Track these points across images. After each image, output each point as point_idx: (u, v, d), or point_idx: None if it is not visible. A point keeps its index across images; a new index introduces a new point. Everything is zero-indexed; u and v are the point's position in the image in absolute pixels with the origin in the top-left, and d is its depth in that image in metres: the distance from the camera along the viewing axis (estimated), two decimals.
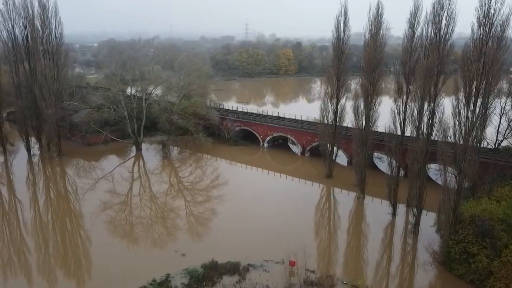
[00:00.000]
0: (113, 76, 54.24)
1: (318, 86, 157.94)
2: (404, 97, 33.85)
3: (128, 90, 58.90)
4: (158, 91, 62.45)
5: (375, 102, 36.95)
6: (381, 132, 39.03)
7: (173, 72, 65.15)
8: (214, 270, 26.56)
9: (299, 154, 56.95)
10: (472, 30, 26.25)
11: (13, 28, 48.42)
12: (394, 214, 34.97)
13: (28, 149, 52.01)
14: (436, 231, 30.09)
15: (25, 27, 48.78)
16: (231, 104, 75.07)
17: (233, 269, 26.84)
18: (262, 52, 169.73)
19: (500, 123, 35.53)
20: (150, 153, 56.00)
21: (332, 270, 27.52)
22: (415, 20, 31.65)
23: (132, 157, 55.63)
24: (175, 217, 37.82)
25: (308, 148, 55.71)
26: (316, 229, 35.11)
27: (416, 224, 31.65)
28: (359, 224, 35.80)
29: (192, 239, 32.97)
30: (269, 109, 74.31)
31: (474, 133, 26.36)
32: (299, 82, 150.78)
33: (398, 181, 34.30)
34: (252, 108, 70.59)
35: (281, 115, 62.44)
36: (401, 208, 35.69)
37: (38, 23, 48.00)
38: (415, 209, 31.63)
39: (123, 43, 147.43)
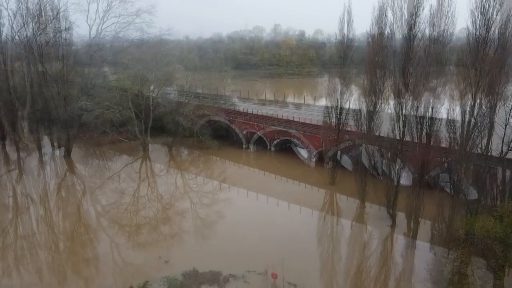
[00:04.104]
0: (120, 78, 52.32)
1: (325, 81, 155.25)
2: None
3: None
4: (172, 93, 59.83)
5: (379, 105, 34.31)
6: (382, 137, 37.09)
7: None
8: (193, 279, 25.92)
9: (313, 163, 47.58)
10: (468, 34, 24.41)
11: (26, 31, 48.06)
12: (393, 225, 32.75)
13: (39, 148, 51.98)
14: (430, 248, 28.65)
15: (38, 30, 47.89)
16: (246, 105, 64.01)
17: (213, 278, 26.10)
18: (259, 39, 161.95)
19: (504, 133, 33.80)
20: (157, 154, 52.84)
21: (318, 283, 26.20)
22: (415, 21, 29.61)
23: (139, 158, 52.69)
24: (180, 220, 34.62)
25: (315, 153, 47.14)
26: (307, 239, 31.69)
27: (414, 238, 30.18)
28: (354, 235, 33.51)
29: (196, 242, 30.96)
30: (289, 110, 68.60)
31: (471, 142, 24.91)
32: (322, 83, 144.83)
33: (397, 190, 32.21)
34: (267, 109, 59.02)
35: (291, 118, 50.38)
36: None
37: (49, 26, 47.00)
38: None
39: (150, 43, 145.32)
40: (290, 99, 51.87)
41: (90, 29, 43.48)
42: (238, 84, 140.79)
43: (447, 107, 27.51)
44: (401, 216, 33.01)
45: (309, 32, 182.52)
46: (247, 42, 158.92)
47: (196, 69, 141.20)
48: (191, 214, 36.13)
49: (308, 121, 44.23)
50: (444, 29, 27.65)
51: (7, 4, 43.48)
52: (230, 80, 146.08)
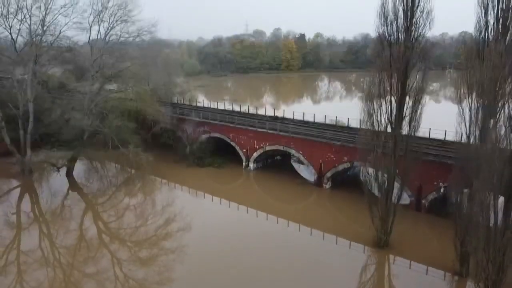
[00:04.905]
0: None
1: (325, 85, 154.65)
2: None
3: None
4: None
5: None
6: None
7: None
8: None
9: (313, 183, 43.10)
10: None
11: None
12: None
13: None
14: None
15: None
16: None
17: None
18: (259, 43, 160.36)
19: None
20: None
21: None
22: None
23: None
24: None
25: (329, 174, 41.17)
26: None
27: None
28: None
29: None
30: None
31: None
32: (322, 87, 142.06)
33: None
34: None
35: (290, 137, 44.76)
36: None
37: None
38: None
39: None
40: (289, 112, 51.41)
41: (92, 50, 43.87)
42: (237, 86, 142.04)
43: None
44: (398, 238, 32.66)
45: (309, 35, 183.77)
46: (248, 46, 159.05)
47: (196, 74, 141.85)
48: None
49: (307, 141, 43.43)
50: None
51: (11, 27, 43.55)
52: (231, 83, 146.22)
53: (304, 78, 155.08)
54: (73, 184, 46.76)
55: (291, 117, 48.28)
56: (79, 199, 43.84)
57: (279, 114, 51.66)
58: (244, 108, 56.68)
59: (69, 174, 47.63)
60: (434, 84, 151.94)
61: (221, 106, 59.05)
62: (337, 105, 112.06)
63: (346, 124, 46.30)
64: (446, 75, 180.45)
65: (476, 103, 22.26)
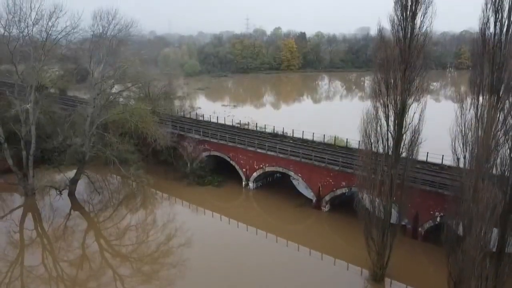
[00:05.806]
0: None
1: (325, 84, 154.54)
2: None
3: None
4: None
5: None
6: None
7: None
8: None
9: (312, 205, 43.07)
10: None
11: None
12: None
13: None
14: None
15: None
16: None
17: None
18: (259, 42, 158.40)
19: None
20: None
21: None
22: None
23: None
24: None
25: (327, 198, 41.48)
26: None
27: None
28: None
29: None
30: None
31: None
32: (322, 86, 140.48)
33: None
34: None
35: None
36: None
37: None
38: None
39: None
40: (289, 120, 51.34)
41: (92, 74, 44.14)
42: (238, 87, 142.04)
43: None
44: (395, 269, 32.53)
45: (310, 34, 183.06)
46: (248, 46, 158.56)
47: (196, 74, 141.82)
48: (196, 243, 35.47)
49: (306, 165, 43.49)
50: None
51: (12, 53, 43.53)
52: (231, 84, 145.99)
53: (305, 78, 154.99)
54: (75, 203, 47.18)
55: (291, 132, 48.49)
56: (81, 218, 44.36)
57: (278, 120, 54.20)
58: (244, 115, 56.65)
59: (71, 194, 48.12)
60: (435, 84, 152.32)
61: (221, 111, 59.01)
62: (337, 105, 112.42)
63: (345, 143, 46.71)
64: (447, 75, 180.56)
65: (470, 154, 22.67)
